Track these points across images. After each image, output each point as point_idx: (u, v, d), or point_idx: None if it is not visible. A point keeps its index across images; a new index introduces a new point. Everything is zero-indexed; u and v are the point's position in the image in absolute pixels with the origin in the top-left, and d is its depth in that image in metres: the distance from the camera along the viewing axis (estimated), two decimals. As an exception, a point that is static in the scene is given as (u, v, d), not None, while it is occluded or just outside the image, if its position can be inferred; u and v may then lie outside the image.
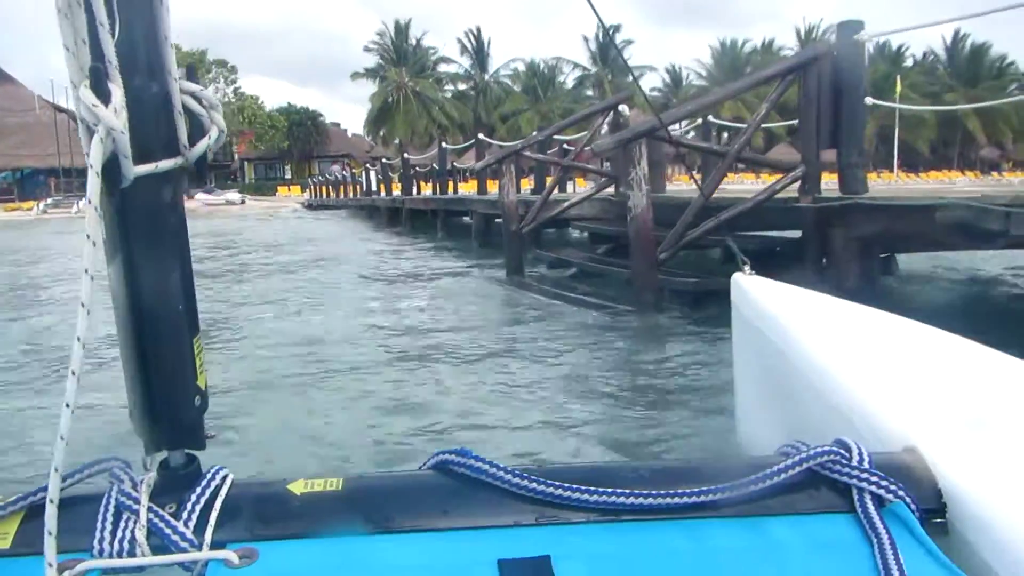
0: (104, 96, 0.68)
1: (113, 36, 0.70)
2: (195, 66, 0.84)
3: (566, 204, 10.27)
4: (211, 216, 34.66)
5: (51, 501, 0.71)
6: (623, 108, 10.16)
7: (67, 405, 0.70)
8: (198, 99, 0.79)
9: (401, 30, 68.38)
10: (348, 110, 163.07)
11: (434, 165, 26.52)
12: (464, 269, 11.33)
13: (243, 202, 51.06)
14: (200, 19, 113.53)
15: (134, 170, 0.72)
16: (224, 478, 0.83)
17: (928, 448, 0.90)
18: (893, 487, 0.83)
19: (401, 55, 67.61)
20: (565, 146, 13.49)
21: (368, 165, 39.85)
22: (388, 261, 13.74)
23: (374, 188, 33.08)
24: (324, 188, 43.73)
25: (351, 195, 36.92)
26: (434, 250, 15.35)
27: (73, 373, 0.70)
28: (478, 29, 69.28)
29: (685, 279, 6.99)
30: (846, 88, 5.96)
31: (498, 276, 9.77)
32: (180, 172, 0.79)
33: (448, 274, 10.74)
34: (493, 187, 21.96)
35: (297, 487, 0.83)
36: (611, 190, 10.41)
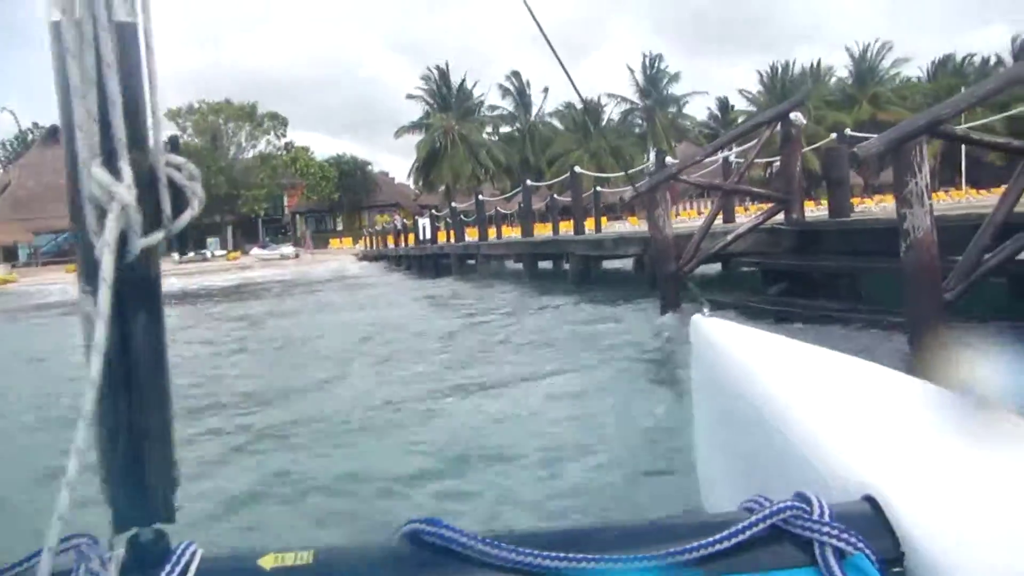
0: (117, 173, 0.73)
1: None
2: (177, 138, 0.89)
3: (730, 237, 8.53)
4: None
5: None
6: (796, 116, 8.42)
7: (67, 485, 0.71)
8: (181, 171, 0.80)
9: (445, 74, 67.85)
10: (387, 160, 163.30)
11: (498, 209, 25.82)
12: (612, 319, 9.57)
13: (297, 256, 50.54)
14: (227, 73, 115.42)
15: (139, 243, 0.75)
16: (193, 554, 0.80)
17: (886, 496, 0.90)
18: (853, 539, 0.82)
19: (447, 100, 66.94)
20: (732, 159, 11.62)
21: (417, 216, 39.27)
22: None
23: (427, 236, 32.64)
24: (378, 238, 42.75)
25: (404, 244, 35.87)
26: (537, 303, 13.48)
27: (78, 451, 0.72)
28: (517, 72, 68.51)
29: (981, 325, 5.18)
30: None
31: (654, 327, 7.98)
32: (161, 244, 0.80)
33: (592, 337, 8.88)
34: (565, 227, 20.89)
35: (267, 562, 0.81)
36: (780, 217, 8.66)
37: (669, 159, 11.37)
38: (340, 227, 64.78)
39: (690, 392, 1.77)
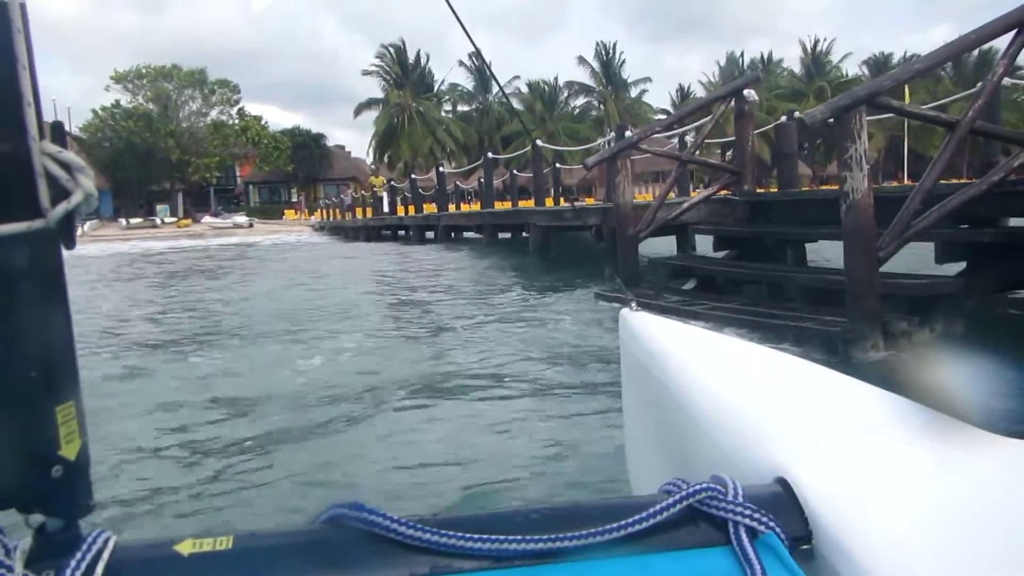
0: None
1: None
2: (62, 125, 0.79)
3: (686, 205, 9.08)
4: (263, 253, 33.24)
5: None
6: (749, 93, 8.96)
7: None
8: (58, 161, 0.74)
9: (401, 51, 67.51)
10: (342, 135, 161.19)
11: (458, 184, 26.13)
12: (559, 289, 10.06)
13: (251, 225, 49.95)
14: (179, 43, 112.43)
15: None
16: (107, 541, 0.78)
17: (796, 478, 0.94)
18: (764, 519, 0.87)
19: (403, 76, 66.64)
20: (688, 138, 12.18)
21: (375, 188, 39.13)
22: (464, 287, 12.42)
23: (386, 209, 32.76)
24: (335, 211, 42.63)
25: (364, 216, 35.93)
26: (496, 271, 13.95)
27: None
28: (478, 50, 68.13)
29: (911, 281, 5.76)
30: None
31: (607, 293, 8.46)
32: (43, 235, 0.73)
33: (554, 299, 9.38)
34: (524, 204, 21.32)
35: (185, 547, 0.80)
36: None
37: (628, 133, 11.92)
38: (295, 198, 64.09)
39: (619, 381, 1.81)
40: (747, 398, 1.24)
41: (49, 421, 0.77)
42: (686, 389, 1.32)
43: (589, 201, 37.69)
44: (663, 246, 11.65)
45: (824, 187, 42.86)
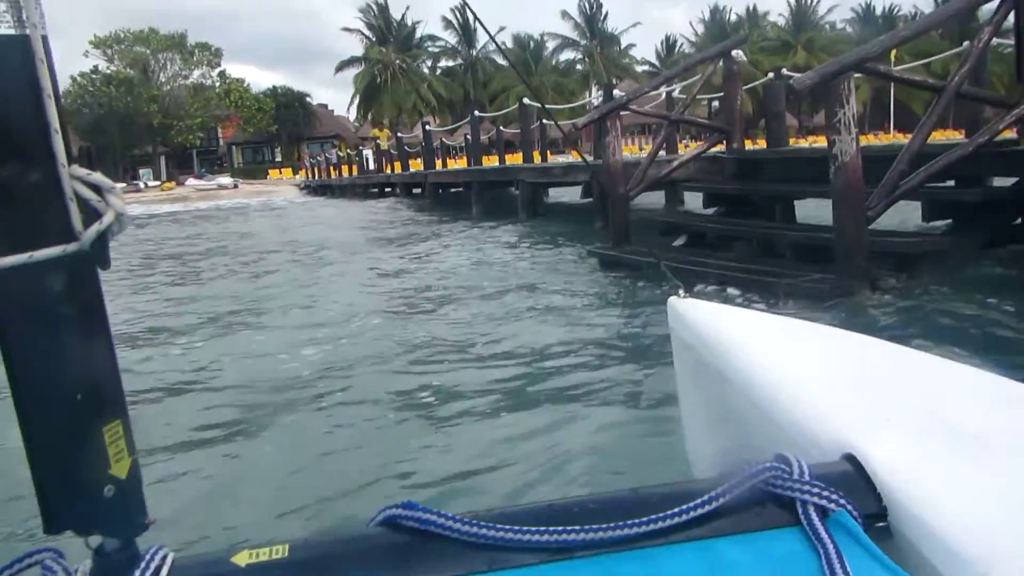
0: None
1: None
2: (90, 149, 0.82)
3: (675, 163, 9.19)
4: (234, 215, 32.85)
5: None
6: (737, 53, 9.01)
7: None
8: (88, 184, 0.75)
9: (384, 8, 66.54)
10: (324, 94, 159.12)
11: (444, 140, 26.09)
12: (552, 247, 10.17)
13: (235, 186, 49.60)
14: (156, 5, 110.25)
15: (8, 261, 0.71)
16: (164, 558, 0.79)
17: (866, 455, 0.91)
18: (835, 496, 0.84)
19: (386, 33, 65.78)
20: (676, 94, 12.22)
21: (361, 147, 38.91)
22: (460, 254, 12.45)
23: (371, 167, 32.70)
24: (320, 169, 42.37)
25: (350, 174, 35.80)
26: (485, 230, 14.00)
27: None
28: (463, 3, 67.21)
29: (899, 239, 5.93)
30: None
31: (600, 251, 8.56)
32: (78, 258, 0.74)
33: (547, 256, 9.49)
34: (512, 160, 21.25)
35: (242, 558, 0.80)
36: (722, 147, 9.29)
37: (617, 91, 11.95)
38: (279, 158, 63.51)
39: (672, 368, 1.80)
40: (806, 376, 1.23)
41: (97, 441, 0.77)
42: (742, 371, 1.31)
43: (575, 155, 37.64)
44: (651, 199, 11.65)
45: (811, 138, 43.19)
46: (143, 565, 0.77)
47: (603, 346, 5.17)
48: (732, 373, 1.34)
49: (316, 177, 43.13)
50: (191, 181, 52.75)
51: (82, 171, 0.75)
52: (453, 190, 21.45)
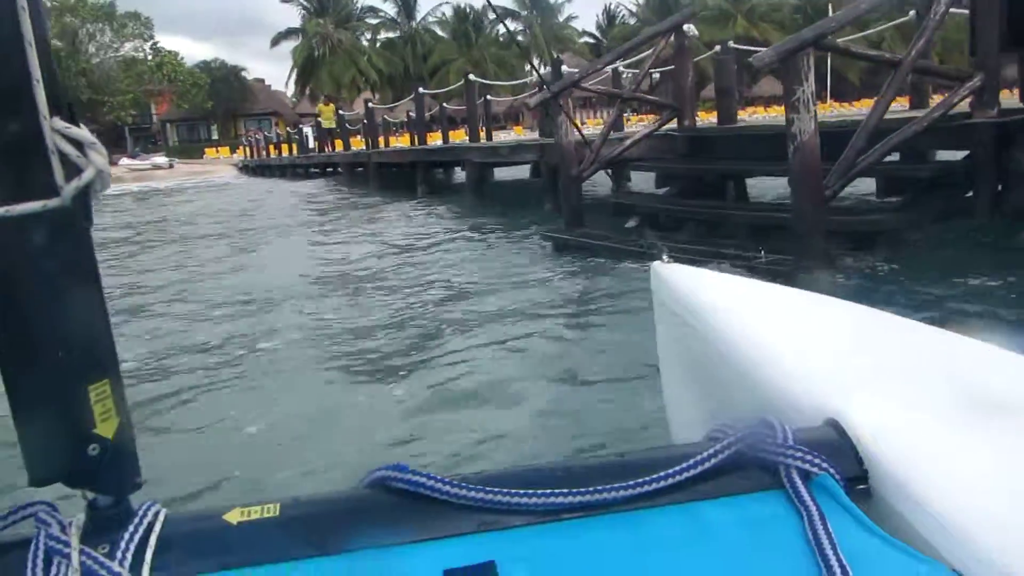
0: None
1: None
2: (74, 104, 0.76)
3: (628, 142, 9.05)
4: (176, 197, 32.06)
5: None
6: (688, 27, 8.91)
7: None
8: (69, 138, 0.73)
9: (320, -23, 64.97)
10: (261, 68, 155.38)
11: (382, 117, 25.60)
12: (503, 230, 10.00)
13: (171, 166, 48.18)
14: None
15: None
16: (157, 514, 0.80)
17: (847, 418, 0.92)
18: (817, 460, 0.85)
19: (324, 4, 64.29)
20: (622, 69, 12.03)
21: (300, 124, 37.96)
22: (396, 229, 12.25)
23: (311, 146, 31.96)
24: (259, 148, 41.31)
25: (289, 153, 35.01)
26: (433, 213, 13.78)
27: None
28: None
29: (855, 218, 5.92)
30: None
31: (553, 234, 8.45)
32: (60, 213, 0.72)
33: (499, 240, 9.32)
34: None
35: (233, 516, 0.81)
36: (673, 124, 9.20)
37: (565, 68, 11.77)
38: (215, 136, 61.82)
39: (653, 335, 1.80)
40: (789, 341, 1.23)
41: (82, 400, 0.77)
42: (726, 336, 1.30)
43: (517, 131, 37.40)
44: (597, 179, 11.64)
45: (750, 109, 43.61)
46: (136, 520, 0.79)
47: (572, 335, 5.11)
48: (715, 338, 1.33)
49: (255, 156, 42.04)
50: (124, 161, 50.94)
51: (63, 124, 0.73)
52: (396, 170, 21.15)
